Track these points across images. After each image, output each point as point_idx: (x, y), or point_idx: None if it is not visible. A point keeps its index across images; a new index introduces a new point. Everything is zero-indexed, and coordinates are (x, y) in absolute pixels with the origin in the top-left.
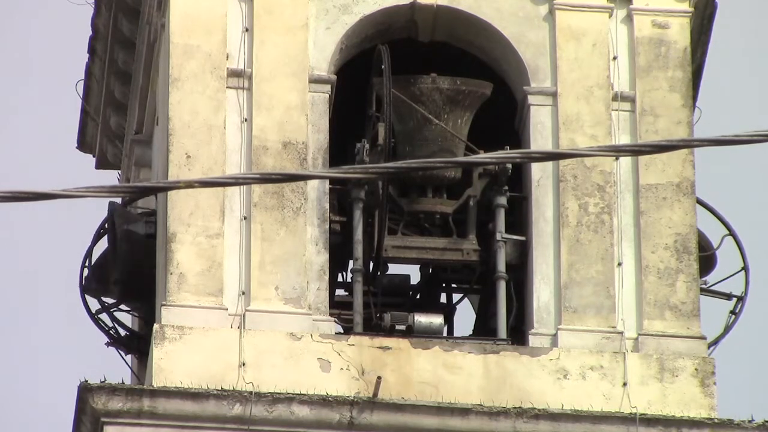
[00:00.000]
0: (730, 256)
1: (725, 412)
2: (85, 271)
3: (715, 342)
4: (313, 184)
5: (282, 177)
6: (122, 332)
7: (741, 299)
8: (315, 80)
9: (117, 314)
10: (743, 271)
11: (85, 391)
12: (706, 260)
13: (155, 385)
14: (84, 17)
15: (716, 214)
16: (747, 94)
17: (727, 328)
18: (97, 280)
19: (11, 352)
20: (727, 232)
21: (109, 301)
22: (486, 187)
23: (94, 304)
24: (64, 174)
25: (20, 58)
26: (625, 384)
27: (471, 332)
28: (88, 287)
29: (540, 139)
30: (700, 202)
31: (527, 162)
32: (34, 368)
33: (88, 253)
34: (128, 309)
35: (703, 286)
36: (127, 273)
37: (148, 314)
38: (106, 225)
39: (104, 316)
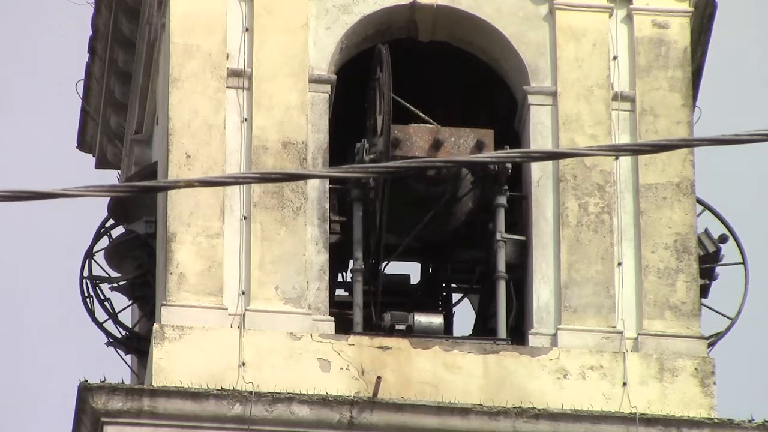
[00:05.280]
0: (732, 260)
1: (725, 412)
2: (86, 271)
3: (712, 343)
4: (313, 183)
5: (282, 177)
6: (122, 332)
7: (733, 321)
8: (315, 80)
9: (115, 312)
10: (742, 296)
11: (85, 391)
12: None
13: (155, 385)
14: (84, 17)
15: (716, 214)
16: (747, 94)
17: (727, 329)
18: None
19: (11, 352)
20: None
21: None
22: (485, 188)
23: (93, 305)
24: (64, 174)
25: (20, 58)
26: (625, 384)
27: (471, 332)
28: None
29: (540, 138)
30: (700, 201)
31: (527, 162)
32: (34, 368)
33: (89, 253)
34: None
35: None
36: None
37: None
38: (106, 224)
39: (103, 316)
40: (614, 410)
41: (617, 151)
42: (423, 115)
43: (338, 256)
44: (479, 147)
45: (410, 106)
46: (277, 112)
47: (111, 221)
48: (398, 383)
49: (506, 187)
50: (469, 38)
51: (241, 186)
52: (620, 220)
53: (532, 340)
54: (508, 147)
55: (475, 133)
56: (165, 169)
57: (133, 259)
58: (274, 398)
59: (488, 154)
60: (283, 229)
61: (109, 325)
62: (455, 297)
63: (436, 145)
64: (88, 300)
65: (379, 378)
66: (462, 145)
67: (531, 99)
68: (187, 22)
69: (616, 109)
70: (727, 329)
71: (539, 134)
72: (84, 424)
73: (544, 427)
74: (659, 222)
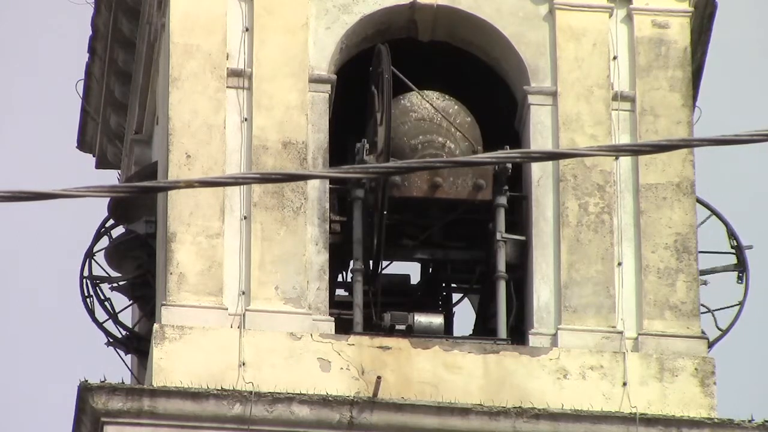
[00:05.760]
0: (732, 260)
1: (725, 412)
2: (86, 270)
3: (714, 342)
4: (313, 183)
5: (282, 177)
6: (122, 332)
7: (743, 270)
8: (315, 80)
9: (115, 312)
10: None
11: (85, 391)
12: None
13: (155, 385)
14: (84, 17)
15: (716, 214)
16: (747, 94)
17: (727, 329)
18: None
19: (11, 352)
20: (726, 231)
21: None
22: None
23: (93, 305)
24: (64, 174)
25: (20, 58)
26: (625, 384)
27: (471, 332)
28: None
29: (540, 138)
30: (700, 201)
31: (527, 162)
32: (34, 368)
33: (89, 253)
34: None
35: (704, 285)
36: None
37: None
38: (106, 224)
39: (103, 316)
40: (614, 410)
41: (617, 151)
42: (418, 90)
43: (338, 256)
44: (477, 188)
45: (407, 81)
46: (277, 112)
47: (111, 221)
48: (398, 383)
49: (506, 187)
50: (469, 38)
51: (241, 186)
52: (620, 220)
53: (532, 340)
54: (508, 147)
55: (474, 172)
56: (165, 169)
57: (133, 259)
58: (274, 398)
59: (488, 154)
60: (283, 229)
61: (109, 325)
62: (455, 297)
63: (435, 186)
64: (88, 300)
65: (379, 378)
66: (460, 185)
67: (531, 99)
68: (187, 22)
69: (616, 109)
70: (740, 266)
71: (539, 134)
72: (84, 424)
73: (544, 427)
74: (659, 222)
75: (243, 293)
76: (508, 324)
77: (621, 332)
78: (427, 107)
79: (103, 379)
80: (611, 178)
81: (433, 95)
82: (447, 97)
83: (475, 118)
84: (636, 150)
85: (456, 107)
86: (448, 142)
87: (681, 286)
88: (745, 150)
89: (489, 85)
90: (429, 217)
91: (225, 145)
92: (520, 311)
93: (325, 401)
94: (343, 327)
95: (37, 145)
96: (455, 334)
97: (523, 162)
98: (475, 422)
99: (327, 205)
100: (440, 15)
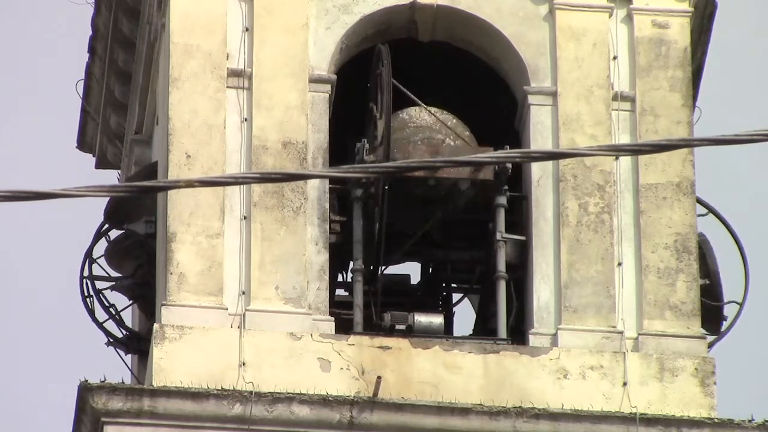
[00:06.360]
0: (732, 260)
1: (725, 412)
2: (85, 271)
3: (713, 342)
4: (313, 183)
5: (282, 176)
6: (122, 332)
7: (740, 304)
8: (315, 80)
9: (116, 312)
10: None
11: (85, 391)
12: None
13: (155, 385)
14: (84, 17)
15: (716, 214)
16: (747, 94)
17: (727, 329)
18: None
19: (11, 352)
20: (744, 284)
21: (109, 294)
22: (485, 190)
23: (93, 305)
24: (64, 174)
25: (20, 58)
26: (625, 384)
27: (471, 332)
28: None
29: (540, 138)
30: (700, 201)
31: (527, 162)
32: (34, 368)
33: (88, 253)
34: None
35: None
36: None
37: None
38: (106, 224)
39: (103, 316)
40: (614, 410)
41: (617, 151)
42: (420, 102)
43: (338, 256)
44: (478, 169)
45: (409, 93)
46: (277, 112)
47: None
48: (398, 383)
49: (506, 187)
50: (469, 38)
51: (241, 186)
52: (620, 220)
53: (533, 340)
54: (508, 147)
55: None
56: (165, 169)
57: (133, 259)
58: (274, 398)
59: (488, 154)
60: (283, 229)
61: (109, 325)
62: (455, 297)
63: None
64: (88, 300)
65: (379, 378)
66: (461, 170)
67: (531, 99)
68: (187, 22)
69: (616, 109)
70: (727, 329)
71: (539, 134)
72: (84, 424)
73: (544, 427)
74: (659, 222)
75: (243, 293)
76: (508, 324)
77: (621, 332)
78: (426, 118)
79: (103, 379)
80: (611, 178)
81: (432, 109)
82: (446, 112)
83: (474, 119)
84: (636, 150)
85: (454, 121)
86: (447, 139)
87: (681, 286)
88: (745, 150)
89: (489, 85)
90: (429, 217)
91: (225, 145)
92: (520, 311)
93: (325, 401)
94: (343, 327)
95: (37, 145)
96: (455, 334)
97: (523, 162)
98: (475, 422)
99: (327, 205)
100: (440, 15)
